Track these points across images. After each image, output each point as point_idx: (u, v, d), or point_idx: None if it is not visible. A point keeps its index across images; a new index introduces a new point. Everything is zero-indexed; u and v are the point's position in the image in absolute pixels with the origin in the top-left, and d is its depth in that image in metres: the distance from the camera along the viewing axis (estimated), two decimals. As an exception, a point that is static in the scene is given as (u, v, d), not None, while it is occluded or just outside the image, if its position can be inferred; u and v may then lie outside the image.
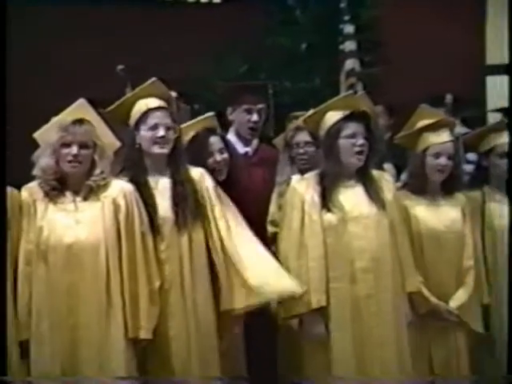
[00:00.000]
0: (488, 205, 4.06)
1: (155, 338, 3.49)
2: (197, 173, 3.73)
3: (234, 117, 4.50)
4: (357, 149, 3.62)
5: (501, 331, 3.95)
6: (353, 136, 3.63)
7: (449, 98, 6.73)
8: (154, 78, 3.75)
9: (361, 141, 3.62)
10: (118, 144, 3.68)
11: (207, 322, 3.63)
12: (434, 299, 3.86)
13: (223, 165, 4.04)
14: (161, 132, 3.63)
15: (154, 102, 3.68)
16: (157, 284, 3.52)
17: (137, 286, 3.46)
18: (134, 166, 3.66)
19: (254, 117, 4.44)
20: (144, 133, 3.66)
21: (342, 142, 3.63)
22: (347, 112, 3.67)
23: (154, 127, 3.64)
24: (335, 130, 3.65)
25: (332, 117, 3.68)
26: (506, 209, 4.05)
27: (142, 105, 3.69)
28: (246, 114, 4.45)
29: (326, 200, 3.64)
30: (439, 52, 7.93)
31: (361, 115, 3.68)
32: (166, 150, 3.65)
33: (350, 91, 4.53)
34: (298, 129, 4.28)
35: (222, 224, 3.63)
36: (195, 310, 3.60)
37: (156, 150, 3.64)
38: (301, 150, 4.31)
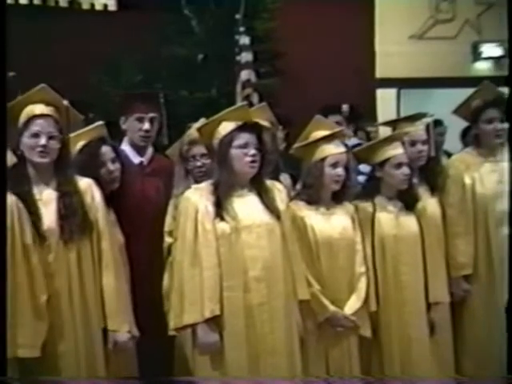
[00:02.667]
0: (378, 215, 4.16)
1: (43, 354, 3.39)
2: (84, 184, 3.66)
3: (126, 126, 4.46)
4: (248, 158, 3.65)
5: (388, 336, 4.09)
6: (245, 146, 3.66)
7: (345, 107, 6.88)
8: (42, 84, 3.66)
9: (252, 151, 3.66)
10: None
11: (97, 337, 3.57)
12: (332, 307, 3.94)
13: (116, 175, 4.01)
14: (42, 141, 3.54)
15: (38, 109, 3.59)
16: (43, 298, 3.40)
17: (17, 302, 3.31)
18: (16, 174, 3.55)
19: (146, 125, 4.40)
20: (26, 140, 3.58)
21: (235, 152, 3.66)
22: (240, 122, 3.70)
23: (36, 135, 3.56)
24: (227, 139, 3.66)
25: (225, 127, 3.69)
26: (394, 218, 4.16)
27: (28, 111, 3.60)
28: (138, 122, 4.41)
29: (220, 209, 3.64)
30: (332, 64, 8.11)
31: (253, 126, 3.72)
32: (46, 160, 3.57)
33: (245, 102, 4.56)
34: (193, 142, 4.27)
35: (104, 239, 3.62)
36: (84, 325, 3.53)
37: (36, 158, 3.56)
38: (198, 163, 4.30)
